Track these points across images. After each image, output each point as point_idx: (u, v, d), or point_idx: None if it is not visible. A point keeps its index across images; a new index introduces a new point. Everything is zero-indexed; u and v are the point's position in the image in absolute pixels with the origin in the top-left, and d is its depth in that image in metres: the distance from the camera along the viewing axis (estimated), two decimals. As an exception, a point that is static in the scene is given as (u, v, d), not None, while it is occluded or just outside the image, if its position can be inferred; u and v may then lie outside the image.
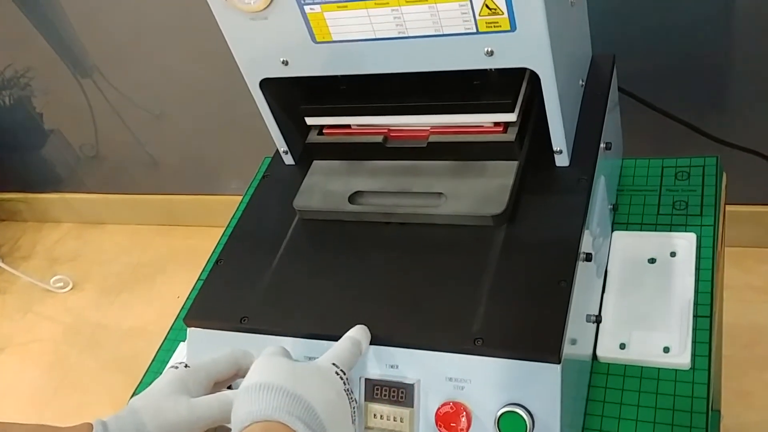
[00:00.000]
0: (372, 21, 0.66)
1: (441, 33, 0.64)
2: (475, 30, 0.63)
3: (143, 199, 2.03)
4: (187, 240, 1.96)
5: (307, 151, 0.79)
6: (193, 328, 0.70)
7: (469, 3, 0.62)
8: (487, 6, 0.62)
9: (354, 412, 0.58)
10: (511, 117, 0.69)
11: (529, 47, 0.63)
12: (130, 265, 1.98)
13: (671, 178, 0.85)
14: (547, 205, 0.69)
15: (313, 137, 0.78)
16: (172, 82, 1.71)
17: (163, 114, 1.83)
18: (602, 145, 0.74)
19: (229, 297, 0.70)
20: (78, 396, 1.69)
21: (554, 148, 0.70)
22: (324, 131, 0.78)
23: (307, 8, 0.67)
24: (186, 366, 0.62)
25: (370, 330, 0.63)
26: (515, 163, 0.71)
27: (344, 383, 0.57)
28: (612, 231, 0.81)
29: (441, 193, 0.71)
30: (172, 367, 0.62)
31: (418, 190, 0.72)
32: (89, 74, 1.81)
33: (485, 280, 0.64)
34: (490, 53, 0.64)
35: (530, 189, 0.70)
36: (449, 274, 0.66)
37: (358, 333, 0.62)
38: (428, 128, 0.74)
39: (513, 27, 0.62)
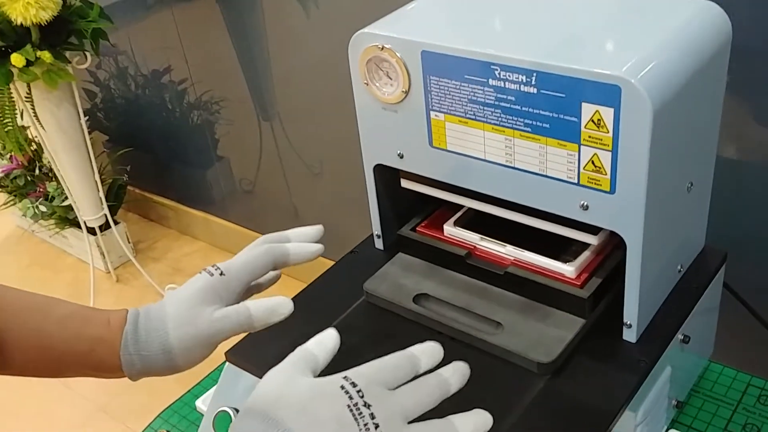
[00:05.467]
0: (486, 143, 0.69)
1: (544, 173, 0.66)
2: (576, 181, 0.64)
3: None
4: (295, 293, 2.03)
5: (397, 241, 0.82)
6: (230, 364, 0.74)
7: (577, 154, 0.63)
8: (593, 162, 0.63)
9: (366, 427, 0.47)
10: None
11: (624, 214, 0.63)
12: (237, 298, 2.07)
13: (752, 398, 0.79)
14: (596, 372, 0.67)
15: (405, 231, 0.81)
16: (337, 147, 1.81)
17: (320, 174, 1.94)
18: (679, 337, 0.71)
19: (274, 347, 0.73)
20: (143, 397, 1.77)
21: (624, 320, 0.68)
22: (417, 229, 0.81)
23: (432, 113, 0.71)
24: (221, 273, 0.62)
25: None
26: (582, 320, 0.70)
27: (350, 397, 0.48)
28: (669, 428, 0.76)
29: (500, 324, 0.71)
30: (205, 271, 0.63)
31: (480, 312, 0.72)
32: (270, 119, 1.96)
33: (506, 424, 0.63)
34: (585, 207, 0.65)
35: (587, 351, 0.69)
36: (475, 404, 0.65)
37: (418, 349, 0.54)
38: (512, 258, 0.74)
39: (612, 189, 0.62)
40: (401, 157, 0.76)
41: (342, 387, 0.48)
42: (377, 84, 0.73)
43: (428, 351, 0.54)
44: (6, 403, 1.74)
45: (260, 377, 0.71)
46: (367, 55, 0.72)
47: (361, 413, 0.47)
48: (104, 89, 2.30)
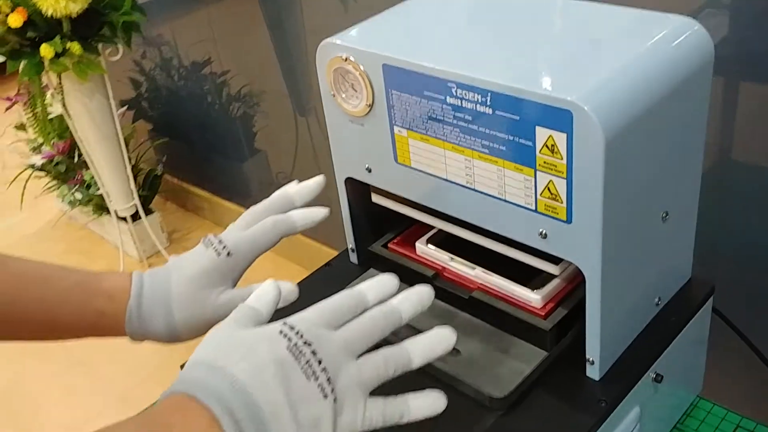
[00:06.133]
0: (447, 162, 0.65)
1: (503, 198, 0.62)
2: (534, 208, 0.61)
3: (300, 239, 2.13)
4: (293, 279, 2.02)
5: (369, 257, 0.79)
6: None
7: (533, 180, 0.59)
8: (549, 190, 0.59)
9: (309, 364, 0.46)
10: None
11: (580, 244, 0.59)
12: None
13: (739, 442, 0.74)
14: (552, 410, 0.63)
15: (376, 247, 0.78)
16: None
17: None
18: (651, 375, 0.66)
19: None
20: (164, 388, 1.79)
21: (587, 356, 0.64)
22: (388, 246, 0.78)
23: (396, 128, 0.68)
24: (228, 254, 0.62)
25: None
26: (544, 353, 0.66)
27: (289, 339, 0.47)
28: (643, 469, 0.72)
29: (458, 351, 0.68)
30: (212, 248, 0.62)
31: (440, 338, 0.69)
32: (305, 114, 1.96)
33: (448, 459, 0.60)
34: (544, 236, 0.61)
35: (547, 386, 0.65)
36: (420, 434, 0.63)
37: (365, 284, 0.52)
38: (479, 282, 0.71)
39: (569, 219, 0.58)
40: (369, 171, 0.73)
41: (281, 332, 0.47)
42: (343, 95, 0.71)
43: (376, 285, 0.52)
44: (27, 389, 1.79)
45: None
46: (332, 66, 0.70)
47: (301, 352, 0.46)
48: (149, 79, 2.33)
